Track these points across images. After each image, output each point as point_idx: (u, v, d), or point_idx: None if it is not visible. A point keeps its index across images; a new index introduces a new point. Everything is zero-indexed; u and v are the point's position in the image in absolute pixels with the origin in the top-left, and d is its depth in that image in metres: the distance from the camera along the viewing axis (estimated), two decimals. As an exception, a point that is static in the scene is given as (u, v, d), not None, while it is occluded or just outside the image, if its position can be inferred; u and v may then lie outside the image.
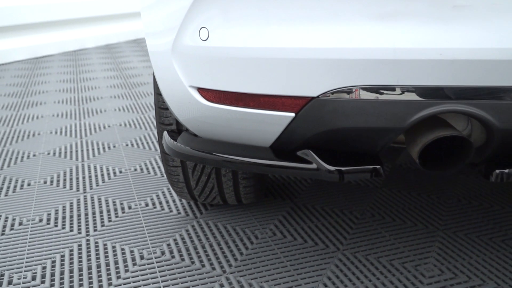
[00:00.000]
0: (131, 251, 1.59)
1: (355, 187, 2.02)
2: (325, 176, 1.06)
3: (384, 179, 2.08)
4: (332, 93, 0.98)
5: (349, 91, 0.97)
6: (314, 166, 1.07)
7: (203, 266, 1.50)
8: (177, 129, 1.47)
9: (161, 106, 1.47)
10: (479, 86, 0.92)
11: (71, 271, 1.49)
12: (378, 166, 1.05)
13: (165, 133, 1.38)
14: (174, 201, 1.93)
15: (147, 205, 1.90)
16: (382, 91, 0.95)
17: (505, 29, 0.89)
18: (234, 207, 1.86)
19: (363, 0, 0.92)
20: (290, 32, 0.98)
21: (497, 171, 1.00)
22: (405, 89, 0.94)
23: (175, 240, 1.65)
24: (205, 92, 1.13)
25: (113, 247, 1.61)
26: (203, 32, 1.06)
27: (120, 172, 2.23)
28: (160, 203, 1.91)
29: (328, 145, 1.10)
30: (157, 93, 1.47)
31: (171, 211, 1.84)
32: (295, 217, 1.78)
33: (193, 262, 1.52)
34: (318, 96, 0.99)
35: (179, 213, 1.83)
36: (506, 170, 1.00)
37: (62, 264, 1.53)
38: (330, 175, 1.05)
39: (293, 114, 1.04)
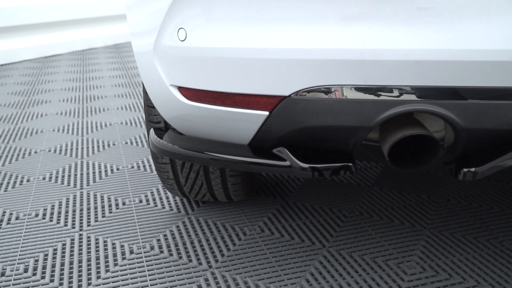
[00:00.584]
0: (122, 246, 1.63)
1: (347, 186, 2.04)
2: (298, 173, 1.08)
3: (375, 179, 2.10)
4: (303, 93, 1.01)
5: (318, 90, 0.99)
6: (287, 163, 1.10)
7: (190, 261, 1.54)
8: (165, 127, 1.51)
9: (149, 104, 1.51)
10: (444, 86, 0.94)
11: (62, 264, 1.54)
12: (349, 164, 1.08)
13: (151, 131, 1.42)
14: (167, 198, 1.97)
15: (141, 201, 1.94)
16: (349, 90, 0.97)
17: (467, 31, 0.91)
18: (225, 204, 1.90)
19: (330, 2, 0.94)
20: (261, 33, 1.01)
21: (465, 169, 1.02)
22: (371, 89, 0.96)
23: (165, 235, 1.69)
24: (185, 91, 1.16)
25: (105, 241, 1.66)
26: (181, 32, 1.09)
27: (117, 169, 2.28)
28: (154, 199, 1.96)
29: (302, 143, 1.13)
30: (145, 92, 1.51)
31: (163, 208, 1.88)
32: (284, 215, 1.81)
33: (180, 257, 1.56)
34: (289, 95, 1.02)
35: (171, 210, 1.86)
36: (473, 169, 1.02)
37: (54, 258, 1.57)
38: (303, 172, 1.08)
39: (267, 113, 1.07)
